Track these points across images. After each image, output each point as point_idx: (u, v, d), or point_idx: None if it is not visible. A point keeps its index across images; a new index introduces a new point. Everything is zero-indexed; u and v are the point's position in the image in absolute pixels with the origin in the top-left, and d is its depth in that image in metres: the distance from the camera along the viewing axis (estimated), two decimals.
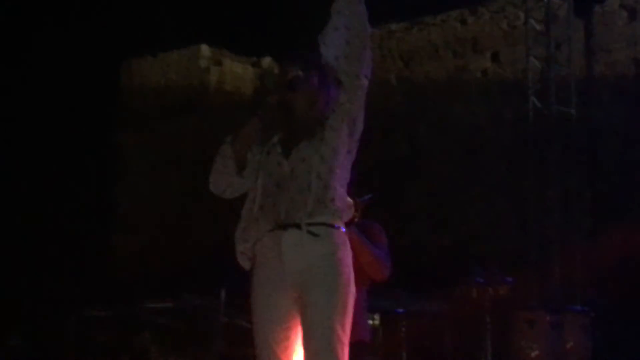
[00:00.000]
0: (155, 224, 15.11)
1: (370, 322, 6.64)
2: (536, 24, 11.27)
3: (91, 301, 10.89)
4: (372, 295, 4.90)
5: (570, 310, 8.11)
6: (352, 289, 3.50)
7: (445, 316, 8.36)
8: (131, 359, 9.50)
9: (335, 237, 3.51)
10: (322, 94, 3.58)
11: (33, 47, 16.57)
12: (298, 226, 3.47)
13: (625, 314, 9.63)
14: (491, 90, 12.21)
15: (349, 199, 3.90)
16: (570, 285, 10.39)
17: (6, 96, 16.05)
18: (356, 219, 4.32)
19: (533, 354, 7.62)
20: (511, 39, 12.12)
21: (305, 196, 3.48)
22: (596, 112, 11.28)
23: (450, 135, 12.37)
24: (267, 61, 15.70)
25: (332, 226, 3.51)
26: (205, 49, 15.74)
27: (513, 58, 12.02)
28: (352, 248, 4.46)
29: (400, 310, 7.77)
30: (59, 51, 16.64)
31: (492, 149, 11.92)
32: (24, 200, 15.82)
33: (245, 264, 3.61)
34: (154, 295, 10.27)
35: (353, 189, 4.26)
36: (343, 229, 3.58)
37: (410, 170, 12.52)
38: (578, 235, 10.83)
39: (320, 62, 3.65)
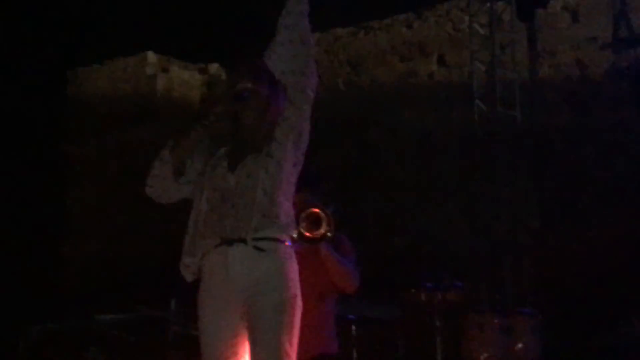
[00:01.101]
0: (105, 234, 14.98)
1: None
2: (480, 28, 11.39)
3: (41, 314, 10.76)
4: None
5: (519, 312, 8.19)
6: (299, 303, 3.53)
7: (396, 321, 8.38)
8: None
9: (281, 251, 3.53)
10: (271, 107, 3.61)
11: None
12: (244, 241, 3.49)
13: (575, 314, 9.75)
14: (438, 93, 12.28)
15: (308, 211, 3.90)
16: (520, 288, 10.49)
17: None
18: (329, 234, 4.32)
19: (482, 357, 7.69)
20: (456, 42, 12.20)
21: (250, 211, 3.50)
22: (541, 114, 11.39)
23: (400, 139, 12.42)
24: (214, 67, 15.65)
25: (278, 240, 3.52)
26: (151, 56, 15.63)
27: (459, 61, 12.10)
28: (321, 261, 4.48)
29: (352, 316, 7.78)
30: (3, 60, 16.42)
31: (442, 152, 11.99)
32: None
33: (188, 277, 3.62)
34: (105, 307, 10.17)
35: (318, 199, 4.25)
36: (289, 243, 3.59)
37: (361, 175, 12.55)
38: (527, 237, 10.95)
39: (270, 74, 3.66)
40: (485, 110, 11.23)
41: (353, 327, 7.61)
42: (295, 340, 3.45)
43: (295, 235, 3.73)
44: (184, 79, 15.69)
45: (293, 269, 3.52)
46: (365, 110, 12.82)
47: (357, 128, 12.81)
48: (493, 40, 11.27)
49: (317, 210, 4.25)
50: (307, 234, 4.22)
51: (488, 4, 11.29)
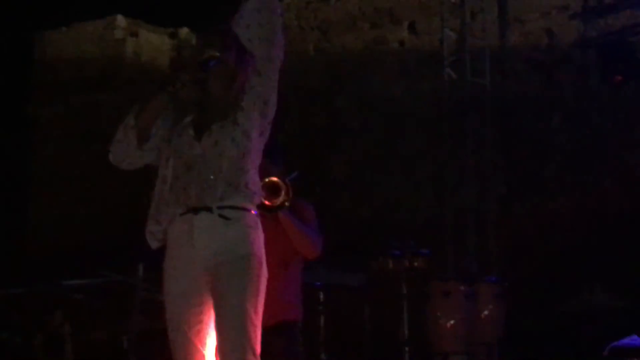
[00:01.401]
0: (71, 198, 14.89)
1: None
2: None
3: (5, 279, 10.70)
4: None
5: (484, 280, 8.27)
6: (264, 271, 3.55)
7: (363, 288, 8.43)
8: (46, 338, 9.37)
9: (247, 219, 3.54)
10: (238, 76, 3.60)
11: None
12: (209, 209, 3.49)
13: (539, 282, 9.85)
14: (408, 61, 12.26)
15: (267, 180, 3.89)
16: (485, 255, 10.58)
17: None
18: (287, 203, 4.35)
19: (449, 324, 7.76)
20: (427, 9, 12.17)
21: (216, 180, 3.50)
22: (510, 83, 11.42)
23: (369, 106, 12.41)
24: (184, 32, 15.52)
25: (243, 209, 3.53)
26: (120, 19, 15.48)
27: (429, 29, 12.08)
28: (283, 229, 4.49)
29: (319, 283, 7.81)
30: None
31: (410, 119, 12.00)
32: None
33: (153, 244, 3.62)
34: (71, 272, 10.12)
35: (278, 168, 4.25)
36: (255, 212, 3.59)
37: (329, 142, 12.54)
38: (493, 205, 11.01)
39: (238, 42, 3.63)
40: (455, 78, 11.24)
41: (321, 294, 7.66)
42: (260, 307, 3.46)
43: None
44: (153, 44, 15.55)
45: (258, 237, 3.52)
46: (334, 76, 12.79)
47: (326, 95, 12.79)
48: (464, 7, 11.27)
49: (275, 179, 4.29)
50: (266, 202, 4.23)
51: None
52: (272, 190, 4.30)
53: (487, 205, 10.94)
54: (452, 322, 7.75)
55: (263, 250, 3.52)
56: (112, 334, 9.35)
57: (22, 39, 16.23)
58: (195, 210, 3.46)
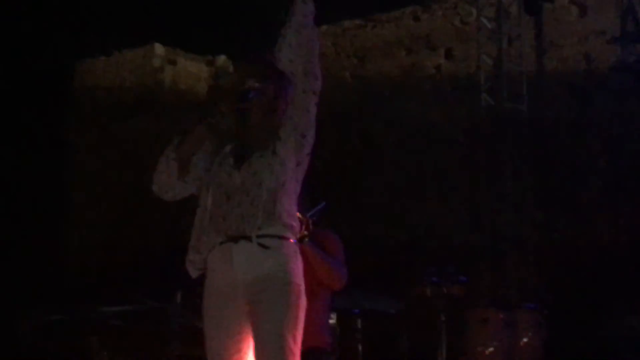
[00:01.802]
0: (110, 225, 15.00)
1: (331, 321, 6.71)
2: (487, 22, 11.36)
3: (45, 306, 10.77)
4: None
5: (523, 307, 8.19)
6: (303, 300, 3.52)
7: (400, 315, 8.39)
8: None
9: (286, 248, 3.53)
10: (278, 106, 3.61)
11: None
12: (249, 239, 3.48)
13: (578, 309, 9.73)
14: (444, 87, 12.25)
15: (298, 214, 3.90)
16: (524, 282, 10.48)
17: None
18: (306, 238, 4.36)
19: (487, 352, 7.69)
20: (464, 35, 12.17)
21: (255, 209, 3.50)
22: (547, 108, 11.37)
23: (405, 131, 12.41)
24: (221, 59, 15.65)
25: (282, 238, 3.52)
26: (159, 47, 15.64)
27: (466, 55, 12.07)
28: (307, 261, 4.51)
29: (356, 310, 7.79)
30: (11, 50, 16.44)
31: (446, 145, 11.98)
32: None
33: (193, 273, 3.63)
34: (109, 298, 10.19)
35: (305, 198, 4.26)
36: (294, 241, 3.59)
37: (366, 167, 12.54)
38: (531, 231, 10.93)
39: (278, 71, 3.63)
40: (491, 103, 11.21)
41: (358, 321, 7.63)
42: (299, 336, 3.44)
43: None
44: (191, 71, 15.69)
45: (297, 266, 3.51)
46: (370, 102, 12.81)
47: (362, 121, 12.80)
48: (500, 33, 11.25)
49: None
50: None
51: None
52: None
53: (525, 230, 10.86)
54: (490, 349, 7.68)
55: (302, 279, 3.51)
56: (149, 359, 9.39)
57: (62, 66, 16.45)
58: (235, 239, 3.47)
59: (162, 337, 9.12)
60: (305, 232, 4.29)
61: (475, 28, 11.60)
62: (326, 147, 11.61)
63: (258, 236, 3.44)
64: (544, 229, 11.02)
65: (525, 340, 7.79)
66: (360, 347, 7.57)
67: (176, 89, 15.49)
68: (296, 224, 3.56)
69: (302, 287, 3.50)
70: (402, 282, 8.22)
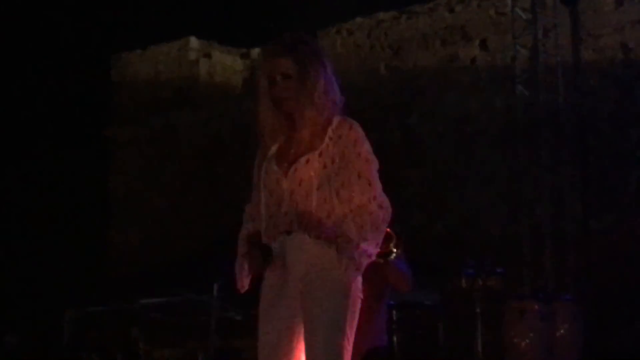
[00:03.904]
0: (149, 218, 15.13)
1: None
2: (522, 13, 11.29)
3: (87, 297, 10.90)
4: None
5: (560, 299, 8.15)
6: (355, 293, 3.38)
7: (437, 307, 8.39)
8: (124, 356, 9.52)
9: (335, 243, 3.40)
10: (321, 93, 3.40)
11: (23, 43, 16.54)
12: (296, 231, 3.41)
13: (616, 303, 9.67)
14: (480, 78, 12.21)
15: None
16: (562, 274, 10.44)
17: None
18: (392, 255, 4.31)
19: (524, 344, 7.67)
20: (499, 26, 12.11)
21: (307, 213, 3.37)
22: (585, 99, 11.29)
23: (442, 123, 12.38)
24: (256, 52, 15.70)
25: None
26: (194, 41, 15.73)
27: (501, 46, 12.01)
28: (382, 271, 4.53)
29: (392, 302, 7.79)
30: (49, 46, 16.60)
31: (484, 137, 11.94)
32: (17, 197, 15.82)
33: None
34: (149, 291, 10.29)
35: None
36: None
37: (403, 159, 12.53)
38: (569, 223, 10.87)
39: (318, 51, 3.46)
40: (527, 95, 11.16)
41: (394, 313, 7.64)
42: (352, 329, 3.34)
43: None
44: (226, 64, 15.77)
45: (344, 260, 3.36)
46: (406, 94, 12.79)
47: (399, 112, 12.79)
48: (536, 24, 11.18)
49: (388, 229, 4.29)
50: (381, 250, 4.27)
51: None
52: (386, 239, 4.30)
53: (563, 222, 10.80)
54: (527, 341, 7.66)
55: (355, 276, 3.38)
56: (188, 352, 9.47)
57: (99, 60, 16.58)
58: (288, 232, 3.39)
59: (200, 329, 9.21)
60: (394, 249, 4.22)
61: (511, 19, 11.53)
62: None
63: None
64: (582, 221, 10.96)
65: (562, 332, 7.76)
66: (395, 339, 7.57)
67: (212, 81, 15.57)
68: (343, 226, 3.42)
69: (359, 281, 3.39)
70: (441, 274, 8.22)
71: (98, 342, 10.04)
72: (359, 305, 3.39)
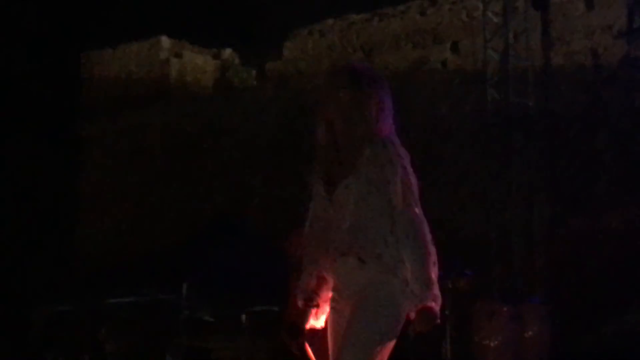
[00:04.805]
0: (118, 217, 15.04)
1: None
2: (494, 16, 11.37)
3: (55, 296, 10.83)
4: None
5: (529, 301, 8.22)
6: (400, 316, 3.36)
7: None
8: (92, 356, 9.48)
9: (385, 263, 3.39)
10: (360, 109, 3.52)
11: None
12: (347, 254, 3.42)
13: (585, 305, 9.74)
14: (451, 81, 12.26)
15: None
16: (531, 275, 10.49)
17: None
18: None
19: (493, 344, 7.73)
20: (470, 30, 12.16)
21: (351, 241, 3.39)
22: (555, 103, 11.38)
23: (413, 125, 12.41)
24: (227, 52, 15.67)
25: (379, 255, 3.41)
26: (165, 40, 15.65)
27: (472, 49, 12.07)
28: None
29: None
30: (19, 43, 16.49)
31: (454, 139, 11.99)
32: None
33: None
34: (117, 290, 10.24)
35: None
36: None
37: None
38: (539, 225, 10.94)
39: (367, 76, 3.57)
40: (498, 98, 11.22)
41: None
42: (387, 352, 3.32)
43: None
44: (197, 64, 15.71)
45: (397, 281, 3.39)
46: None
47: None
48: (507, 28, 11.25)
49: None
50: None
51: None
52: None
53: (533, 224, 10.87)
54: (496, 342, 7.71)
55: (402, 296, 3.37)
56: (156, 351, 9.43)
57: (69, 58, 16.48)
58: (337, 258, 3.43)
59: (168, 329, 9.17)
60: None
61: (482, 22, 11.59)
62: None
63: (356, 252, 3.38)
64: (551, 223, 11.03)
65: (530, 333, 7.83)
66: None
67: (182, 81, 15.52)
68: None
69: (404, 306, 3.35)
70: None
71: (65, 342, 9.98)
72: (400, 327, 3.38)
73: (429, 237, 3.46)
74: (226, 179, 13.98)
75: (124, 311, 10.06)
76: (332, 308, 3.46)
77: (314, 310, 3.47)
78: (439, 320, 3.31)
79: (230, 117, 14.35)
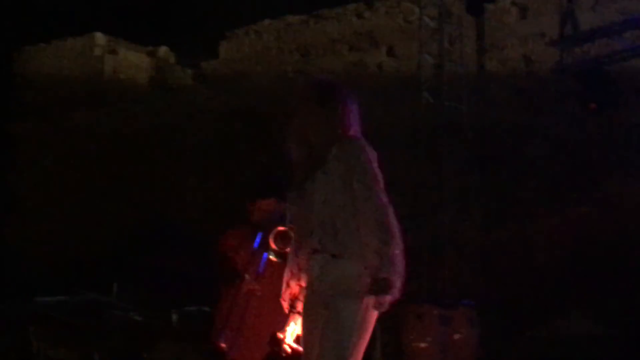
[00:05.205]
0: (50, 216, 14.84)
1: None
2: (430, 21, 11.46)
3: None
4: None
5: (458, 304, 8.31)
6: (370, 311, 3.41)
7: None
8: (19, 355, 9.33)
9: (356, 258, 3.48)
10: (329, 119, 3.71)
11: None
12: (318, 251, 3.50)
13: (513, 307, 9.87)
14: (387, 84, 12.33)
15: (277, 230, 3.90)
16: (461, 279, 10.60)
17: None
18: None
19: (422, 346, 7.80)
20: (406, 34, 12.26)
21: (321, 238, 3.49)
22: (489, 108, 11.50)
23: None
24: (163, 50, 15.56)
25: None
26: (100, 37, 15.49)
27: (408, 53, 12.16)
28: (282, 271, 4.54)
29: None
30: None
31: (387, 142, 12.03)
32: None
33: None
34: (48, 289, 10.11)
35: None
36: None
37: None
38: (469, 230, 11.05)
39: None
40: (432, 102, 11.31)
41: None
42: (361, 348, 3.39)
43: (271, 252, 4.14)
44: (132, 61, 15.57)
45: (364, 273, 3.45)
46: None
47: None
48: (442, 33, 11.35)
49: (284, 228, 4.35)
50: (277, 249, 4.35)
51: None
52: (282, 238, 4.36)
53: (463, 228, 10.97)
54: (424, 344, 7.79)
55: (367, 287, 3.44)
56: (84, 352, 9.32)
57: (1, 53, 16.22)
58: (310, 256, 3.52)
59: (98, 329, 9.07)
60: None
61: (418, 27, 11.68)
62: (269, 146, 11.62)
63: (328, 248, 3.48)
64: (483, 227, 11.15)
65: (459, 335, 7.92)
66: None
67: (117, 78, 15.37)
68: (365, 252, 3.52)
69: (368, 301, 3.41)
70: None
71: None
72: (374, 321, 3.46)
73: (394, 222, 3.58)
74: (160, 180, 13.88)
75: (53, 310, 9.92)
76: (306, 303, 3.51)
77: (296, 316, 3.53)
78: (395, 294, 3.38)
79: (165, 116, 14.26)
